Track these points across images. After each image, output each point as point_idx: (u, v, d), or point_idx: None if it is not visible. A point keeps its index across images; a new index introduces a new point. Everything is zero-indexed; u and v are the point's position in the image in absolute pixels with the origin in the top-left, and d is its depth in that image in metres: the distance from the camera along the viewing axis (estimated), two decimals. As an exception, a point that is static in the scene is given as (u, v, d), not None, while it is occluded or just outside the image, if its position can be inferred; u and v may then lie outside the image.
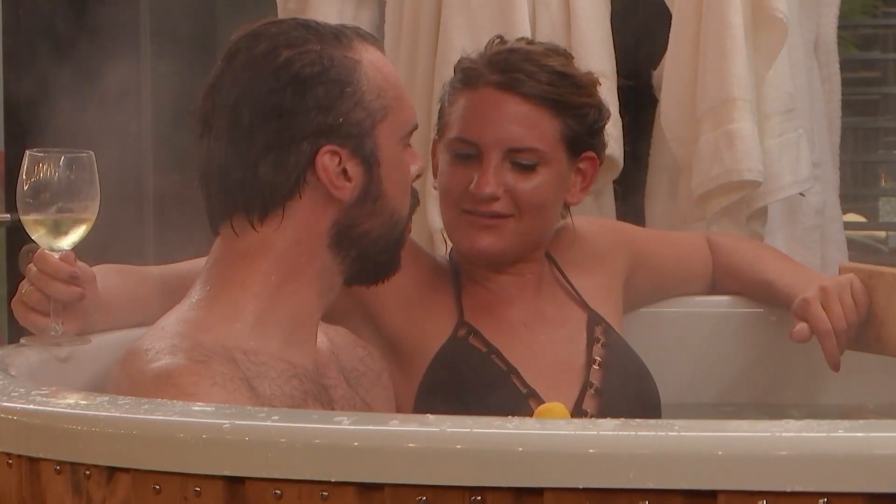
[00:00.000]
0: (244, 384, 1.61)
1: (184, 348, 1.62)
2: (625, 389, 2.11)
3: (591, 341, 2.14)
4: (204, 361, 1.60)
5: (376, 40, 1.77)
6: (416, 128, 1.78)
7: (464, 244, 2.10)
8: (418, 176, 1.81)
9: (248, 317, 1.69)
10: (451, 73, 2.19)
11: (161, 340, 1.64)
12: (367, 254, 1.75)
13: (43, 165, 1.79)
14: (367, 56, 1.73)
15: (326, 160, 1.69)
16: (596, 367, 2.11)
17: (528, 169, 2.08)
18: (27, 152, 1.81)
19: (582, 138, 2.12)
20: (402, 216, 1.77)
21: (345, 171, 1.71)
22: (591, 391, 2.09)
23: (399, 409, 2.02)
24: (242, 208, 1.71)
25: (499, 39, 2.17)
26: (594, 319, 2.17)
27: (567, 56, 2.16)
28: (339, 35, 1.72)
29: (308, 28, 1.72)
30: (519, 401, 2.03)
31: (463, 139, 2.09)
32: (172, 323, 1.68)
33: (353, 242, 1.74)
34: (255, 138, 1.69)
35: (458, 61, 2.16)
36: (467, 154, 2.09)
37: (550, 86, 2.08)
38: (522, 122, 2.07)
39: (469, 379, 2.05)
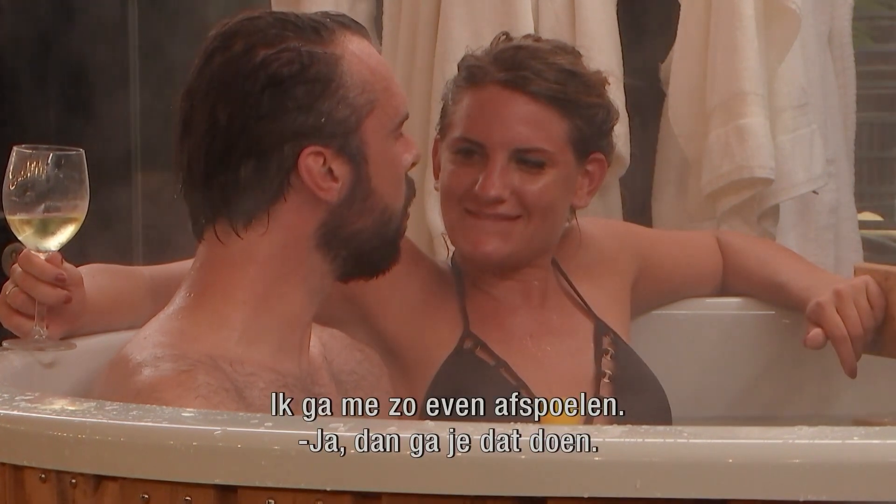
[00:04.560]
0: (231, 394, 1.58)
1: (167, 358, 1.58)
2: (635, 402, 2.07)
3: (599, 353, 2.12)
4: (188, 371, 1.56)
5: (361, 29, 1.72)
6: (406, 117, 1.74)
7: (467, 248, 2.07)
8: (414, 164, 1.75)
9: (235, 325, 1.66)
10: (452, 67, 2.16)
11: (144, 351, 1.60)
12: (360, 252, 1.71)
13: (31, 163, 1.76)
14: (351, 48, 1.68)
15: (310, 161, 1.65)
16: (606, 380, 2.09)
17: (536, 170, 2.05)
18: (14, 148, 1.78)
19: (590, 139, 2.09)
20: (395, 211, 1.73)
21: (330, 171, 1.66)
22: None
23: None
24: (225, 214, 1.66)
25: (504, 36, 2.14)
26: (601, 329, 2.14)
27: (575, 54, 2.13)
28: (319, 28, 1.67)
29: (286, 23, 1.67)
30: (529, 416, 1.99)
31: (468, 139, 2.06)
32: (155, 332, 1.64)
33: (343, 243, 1.70)
34: (234, 142, 1.64)
35: (463, 58, 2.13)
36: (472, 154, 2.05)
37: (559, 84, 2.05)
38: (530, 122, 2.04)
39: (476, 393, 2.01)
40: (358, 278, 1.77)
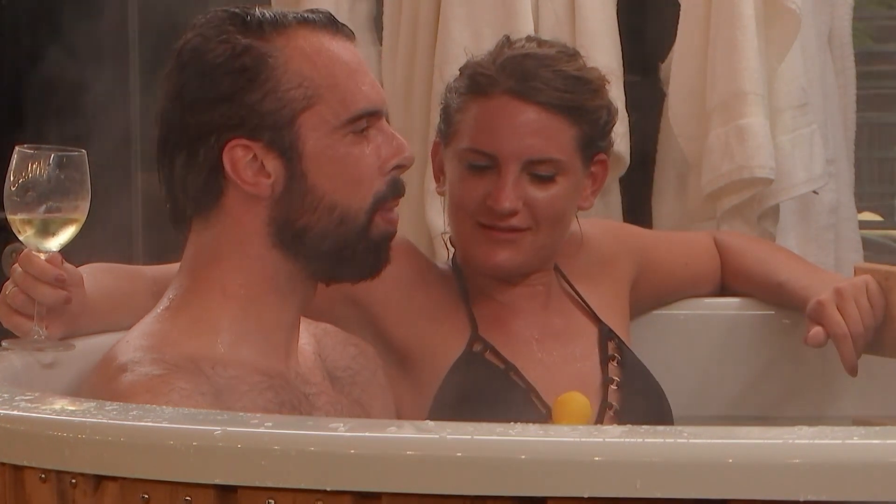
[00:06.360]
0: (208, 398, 1.56)
1: (145, 362, 1.58)
2: (643, 410, 2.08)
3: (605, 358, 2.11)
4: (161, 376, 1.55)
5: (329, 25, 1.69)
6: (371, 114, 1.69)
7: (480, 259, 2.06)
8: (403, 166, 1.71)
9: (215, 327, 1.65)
10: (451, 67, 2.14)
11: (124, 354, 1.60)
12: (319, 252, 1.67)
13: (32, 163, 1.75)
14: (298, 43, 1.65)
15: (237, 154, 1.63)
16: (614, 387, 2.08)
17: (547, 180, 2.04)
18: (16, 148, 1.77)
19: (594, 142, 2.09)
20: (351, 210, 1.67)
21: (263, 166, 1.64)
22: (611, 413, 2.05)
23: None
24: (172, 208, 1.67)
25: (506, 40, 2.11)
26: (606, 334, 2.14)
27: (577, 56, 2.11)
28: (264, 23, 1.65)
29: (235, 17, 1.66)
30: (539, 420, 1.98)
31: (478, 150, 2.04)
32: (138, 335, 1.64)
33: (296, 241, 1.66)
34: (167, 134, 1.65)
35: (465, 65, 2.10)
36: (483, 165, 2.04)
37: (567, 93, 2.03)
38: (541, 133, 2.03)
39: (487, 396, 2.01)
40: (340, 281, 1.74)
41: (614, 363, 2.11)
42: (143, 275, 1.93)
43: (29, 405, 1.46)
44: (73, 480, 1.38)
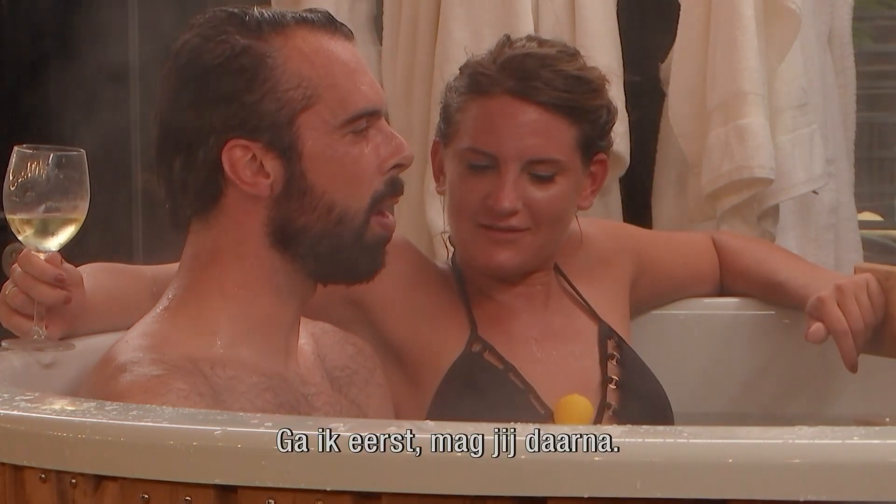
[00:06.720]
0: (206, 398, 1.56)
1: (144, 363, 1.58)
2: (642, 410, 2.08)
3: (604, 357, 2.11)
4: (159, 377, 1.55)
5: (328, 25, 1.69)
6: (370, 114, 1.69)
7: (480, 259, 2.06)
8: (401, 165, 1.71)
9: (213, 327, 1.65)
10: (452, 67, 2.14)
11: (123, 354, 1.60)
12: (317, 252, 1.67)
13: (31, 163, 1.75)
14: (296, 43, 1.65)
15: (236, 155, 1.63)
16: (613, 386, 2.08)
17: (547, 180, 2.04)
18: (15, 148, 1.77)
19: (594, 141, 2.09)
20: (348, 210, 1.67)
21: (262, 167, 1.64)
22: (610, 412, 2.05)
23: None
24: (173, 209, 1.68)
25: (507, 40, 2.11)
26: (605, 332, 2.14)
27: (578, 55, 2.11)
28: (262, 23, 1.65)
29: (233, 17, 1.65)
30: (538, 420, 1.98)
31: (478, 150, 2.03)
32: (137, 335, 1.64)
33: (293, 240, 1.66)
34: (165, 135, 1.65)
35: (465, 64, 2.10)
36: (483, 165, 2.03)
37: (567, 92, 2.03)
38: (541, 133, 2.03)
39: (485, 397, 2.01)
40: (337, 282, 1.74)
41: (613, 362, 2.10)
42: (142, 275, 1.92)
43: (29, 405, 1.46)
44: (73, 480, 1.38)
